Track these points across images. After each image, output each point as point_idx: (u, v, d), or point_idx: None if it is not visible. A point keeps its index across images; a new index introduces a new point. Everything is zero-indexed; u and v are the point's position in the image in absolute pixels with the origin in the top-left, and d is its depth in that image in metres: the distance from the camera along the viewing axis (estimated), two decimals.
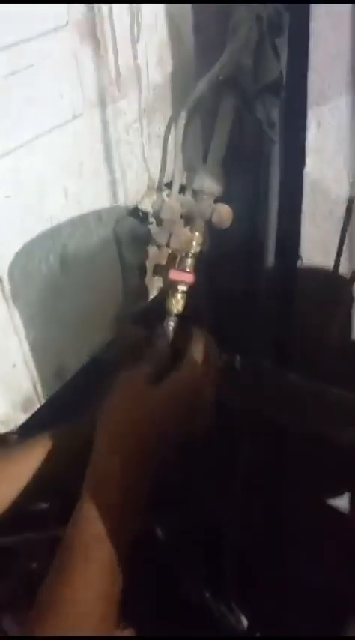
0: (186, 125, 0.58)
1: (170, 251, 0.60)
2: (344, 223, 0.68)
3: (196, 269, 0.59)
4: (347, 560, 0.83)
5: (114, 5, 0.50)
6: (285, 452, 0.84)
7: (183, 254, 0.59)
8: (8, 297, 0.49)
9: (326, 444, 0.69)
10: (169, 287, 0.58)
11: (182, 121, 0.57)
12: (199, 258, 0.59)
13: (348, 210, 0.68)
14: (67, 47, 0.47)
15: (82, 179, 0.53)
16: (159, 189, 0.65)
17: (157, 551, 0.95)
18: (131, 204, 0.62)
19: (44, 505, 0.68)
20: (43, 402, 0.57)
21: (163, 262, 0.62)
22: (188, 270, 0.58)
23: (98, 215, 0.57)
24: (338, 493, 0.87)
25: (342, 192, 0.67)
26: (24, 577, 0.72)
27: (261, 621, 0.92)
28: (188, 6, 0.59)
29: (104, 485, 0.43)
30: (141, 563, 0.89)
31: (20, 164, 0.46)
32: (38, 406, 0.56)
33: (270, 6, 0.55)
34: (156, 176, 0.65)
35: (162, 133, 0.63)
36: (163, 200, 0.60)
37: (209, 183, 0.58)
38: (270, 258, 0.70)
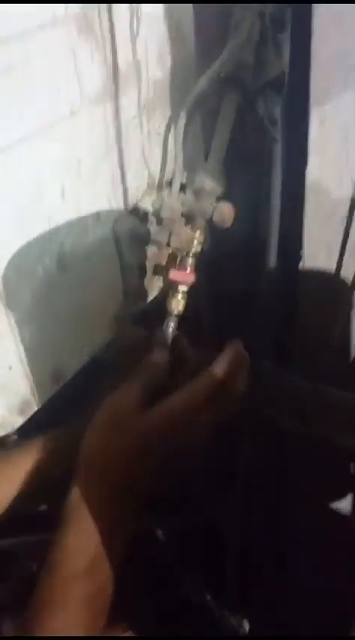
0: (187, 122, 0.57)
1: (170, 251, 0.59)
2: (347, 223, 0.67)
3: (197, 269, 0.58)
4: (347, 562, 0.83)
5: None
6: (285, 452, 0.83)
7: (184, 254, 0.58)
8: (4, 298, 0.48)
9: (327, 444, 0.69)
10: (169, 287, 0.58)
11: (182, 119, 0.56)
12: (200, 257, 0.58)
13: (351, 209, 0.67)
14: (64, 41, 0.46)
15: (79, 177, 0.52)
16: (159, 187, 0.65)
17: (157, 552, 0.94)
18: (130, 202, 0.62)
19: (43, 507, 0.67)
20: (40, 404, 0.56)
21: (163, 262, 0.61)
22: (189, 270, 0.58)
23: (96, 214, 0.56)
24: (338, 494, 0.87)
25: (345, 192, 0.66)
26: (23, 580, 0.71)
27: (261, 622, 0.92)
28: None
29: (74, 538, 0.38)
30: (141, 564, 0.89)
31: (15, 162, 0.45)
32: (36, 409, 0.56)
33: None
34: (156, 174, 0.64)
35: (162, 130, 0.62)
36: (163, 199, 0.59)
37: (210, 182, 0.57)
38: (272, 259, 0.69)
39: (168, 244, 0.58)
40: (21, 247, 0.48)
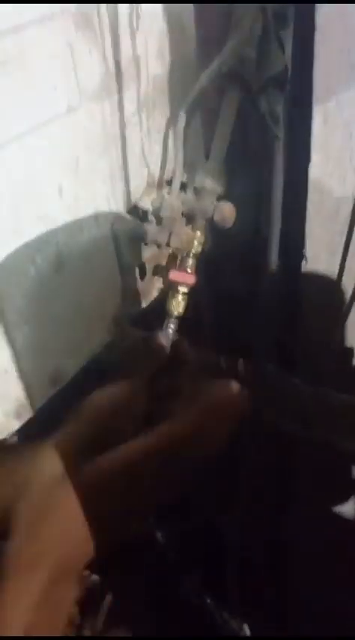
0: (187, 120, 0.56)
1: (170, 251, 0.59)
2: (350, 222, 0.66)
3: (197, 269, 0.57)
4: (349, 566, 0.83)
5: None
6: (287, 455, 0.83)
7: (184, 254, 0.58)
8: None
9: (328, 448, 0.68)
10: (170, 288, 0.57)
11: (183, 116, 0.55)
12: (200, 258, 0.57)
13: None
14: (61, 36, 0.45)
15: (77, 176, 0.51)
16: (159, 186, 0.64)
17: (157, 554, 0.94)
18: (130, 202, 0.60)
19: None
20: (37, 408, 0.55)
21: (163, 262, 0.61)
22: (189, 270, 0.57)
23: (95, 213, 0.55)
24: (340, 498, 0.86)
25: (349, 190, 0.65)
26: None
27: (261, 623, 0.91)
28: None
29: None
30: (141, 565, 0.88)
31: (10, 160, 0.44)
32: (32, 413, 0.54)
33: None
34: (156, 172, 0.63)
35: (162, 127, 0.61)
36: (163, 198, 0.58)
37: (211, 181, 0.56)
38: (274, 258, 0.68)
39: (168, 244, 0.57)
40: (17, 246, 0.47)
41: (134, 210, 0.61)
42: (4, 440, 0.54)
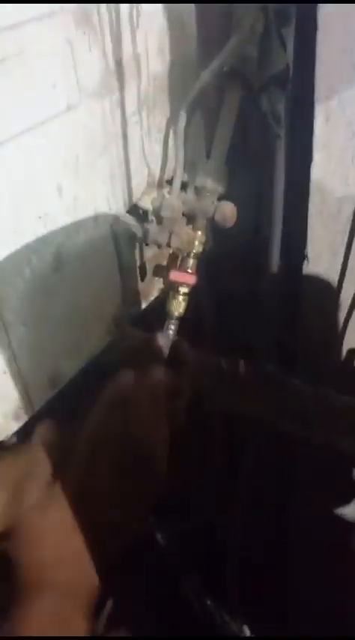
0: (188, 119, 0.55)
1: (171, 251, 0.58)
2: (352, 222, 0.65)
3: (198, 270, 0.57)
4: (349, 567, 0.82)
5: None
6: (287, 456, 0.82)
7: (185, 254, 0.57)
8: None
9: (328, 448, 0.67)
10: (170, 288, 0.56)
11: (184, 115, 0.55)
12: (201, 258, 0.57)
13: None
14: (61, 33, 0.45)
15: (77, 175, 0.51)
16: (159, 185, 0.63)
17: (157, 554, 0.94)
18: (130, 201, 0.60)
19: None
20: (36, 409, 0.55)
21: (164, 262, 0.60)
22: (190, 270, 0.56)
23: (94, 213, 0.55)
24: (341, 499, 0.86)
25: (351, 190, 0.65)
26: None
27: (261, 624, 0.91)
28: None
29: None
30: (141, 566, 0.88)
31: (10, 158, 0.43)
32: (32, 414, 0.54)
33: None
34: (156, 172, 0.63)
35: (162, 126, 0.61)
36: (164, 197, 0.58)
37: (212, 180, 0.56)
38: (275, 259, 0.67)
39: (169, 244, 0.57)
40: (16, 246, 0.47)
41: (134, 209, 0.61)
42: (3, 442, 0.54)
